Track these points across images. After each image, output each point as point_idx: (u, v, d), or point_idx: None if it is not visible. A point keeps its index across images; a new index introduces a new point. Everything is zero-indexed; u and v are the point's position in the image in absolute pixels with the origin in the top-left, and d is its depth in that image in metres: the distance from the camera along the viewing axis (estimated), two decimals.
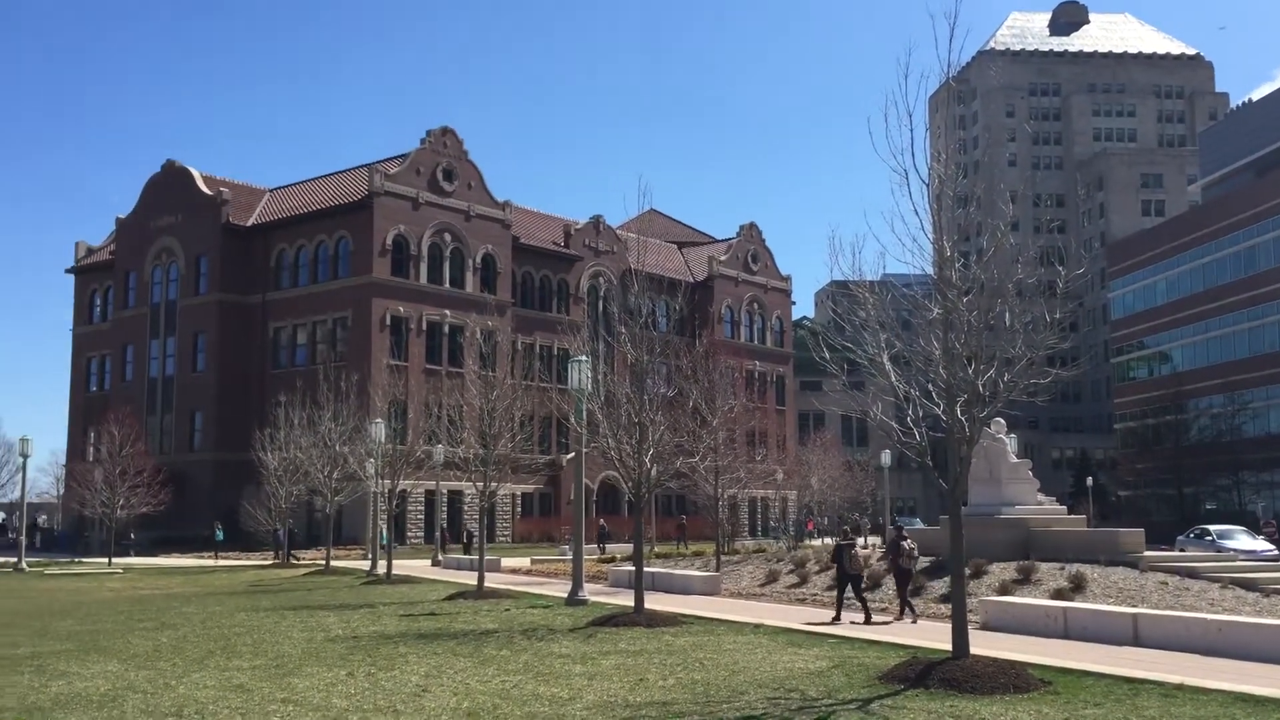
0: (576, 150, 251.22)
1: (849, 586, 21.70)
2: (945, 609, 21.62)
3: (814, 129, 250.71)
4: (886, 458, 59.45)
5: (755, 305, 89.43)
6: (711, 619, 22.10)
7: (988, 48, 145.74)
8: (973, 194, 16.12)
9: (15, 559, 49.61)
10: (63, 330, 78.67)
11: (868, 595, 22.57)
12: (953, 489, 14.79)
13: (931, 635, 18.53)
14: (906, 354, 15.78)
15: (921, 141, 15.42)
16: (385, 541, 52.51)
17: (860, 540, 27.87)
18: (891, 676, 14.35)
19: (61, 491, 79.92)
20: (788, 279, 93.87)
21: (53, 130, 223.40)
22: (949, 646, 14.96)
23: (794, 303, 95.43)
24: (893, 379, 15.29)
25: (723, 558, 35.20)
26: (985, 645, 15.96)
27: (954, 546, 15.08)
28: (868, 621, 20.90)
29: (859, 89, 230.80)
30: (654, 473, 23.12)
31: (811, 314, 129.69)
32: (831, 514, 59.84)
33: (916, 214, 15.00)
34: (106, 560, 52.05)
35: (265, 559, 52.00)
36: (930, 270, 15.31)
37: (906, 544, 21.49)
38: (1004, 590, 23.00)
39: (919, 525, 58.99)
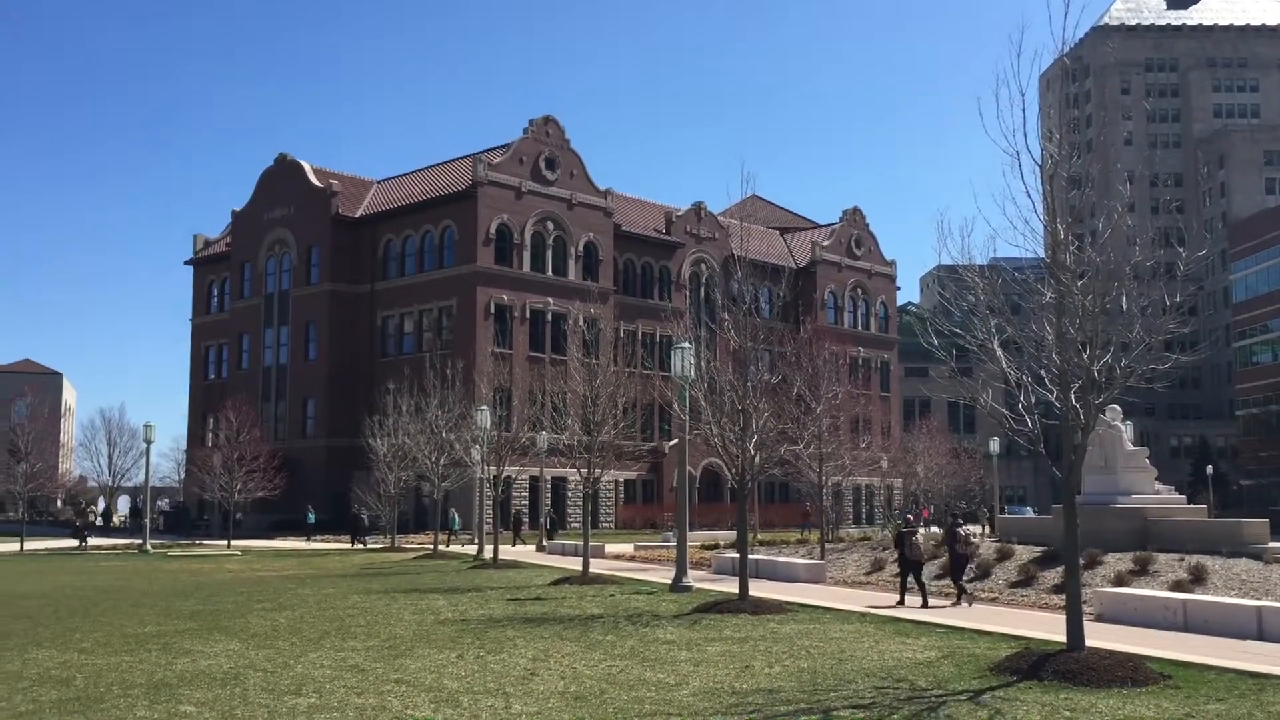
0: (677, 137, 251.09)
1: (911, 572, 22.55)
2: (1057, 599, 21.17)
3: (920, 110, 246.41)
4: (995, 445, 58.27)
5: (859, 290, 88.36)
6: (817, 607, 21.95)
7: (1101, 23, 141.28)
8: (1087, 174, 15.63)
9: (140, 541, 51.63)
10: (183, 321, 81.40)
11: (976, 582, 22.27)
12: (1067, 478, 14.43)
13: (1031, 624, 18.14)
14: (1018, 339, 15.42)
15: (1034, 121, 15.05)
16: (455, 527, 53.39)
17: (971, 529, 27.68)
18: (1003, 668, 14.08)
19: (183, 476, 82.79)
20: (892, 264, 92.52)
21: (173, 127, 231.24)
22: (1061, 638, 14.63)
23: (898, 288, 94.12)
24: (1004, 365, 14.97)
25: (827, 545, 34.93)
26: (1100, 637, 15.56)
27: (1068, 536, 14.72)
28: (925, 605, 21.68)
29: (966, 69, 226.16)
30: (757, 460, 23.01)
31: (916, 299, 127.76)
32: (938, 502, 58.91)
33: (1029, 196, 14.65)
34: (225, 543, 53.82)
35: (376, 542, 53.17)
36: (1043, 253, 14.93)
37: (962, 532, 22.66)
38: (1119, 582, 22.39)
39: (1030, 514, 57.76)
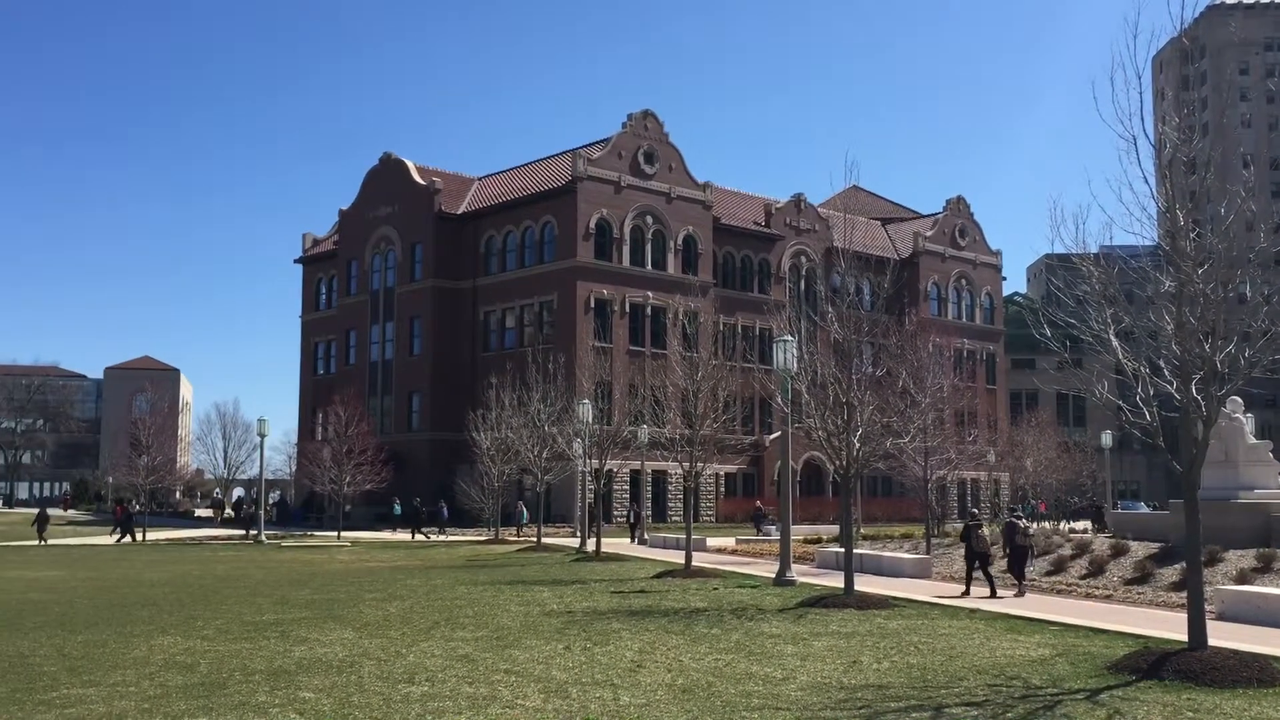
0: (776, 129, 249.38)
1: (979, 563, 23.38)
2: (1175, 597, 20.56)
3: (1027, 96, 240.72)
4: (1108, 439, 56.77)
5: (963, 281, 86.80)
6: (924, 602, 21.66)
7: (1219, 1, 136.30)
8: (1208, 158, 15.09)
9: (255, 532, 53.19)
10: (293, 317, 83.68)
11: (1090, 579, 21.77)
12: (1187, 472, 13.98)
13: (1148, 623, 17.61)
14: (1135, 329, 14.96)
15: (1149, 105, 14.57)
16: (524, 521, 53.76)
17: (1091, 524, 27.43)
18: (1121, 666, 13.70)
19: (294, 469, 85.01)
20: (997, 254, 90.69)
21: (283, 130, 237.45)
22: (1181, 636, 14.19)
23: (1004, 278, 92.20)
24: (1120, 356, 14.54)
25: (933, 540, 34.41)
26: (1223, 637, 15.05)
27: (1189, 532, 14.25)
28: (992, 596, 22.46)
29: (1074, 52, 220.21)
30: (861, 453, 22.77)
31: (1023, 289, 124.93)
32: (1049, 496, 57.59)
33: (1145, 181, 14.20)
34: (335, 534, 55.14)
35: (480, 535, 53.97)
36: (1161, 240, 14.47)
37: (1021, 523, 23.85)
38: (1242, 579, 21.64)
39: (1143, 510, 56.13)
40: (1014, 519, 24.20)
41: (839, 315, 23.32)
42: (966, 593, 23.11)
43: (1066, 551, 27.68)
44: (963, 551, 24.77)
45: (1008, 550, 23.72)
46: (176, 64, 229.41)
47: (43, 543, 49.76)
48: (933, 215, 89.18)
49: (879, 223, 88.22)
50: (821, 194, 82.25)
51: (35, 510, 63.75)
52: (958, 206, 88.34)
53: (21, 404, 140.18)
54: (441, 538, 53.21)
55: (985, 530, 23.96)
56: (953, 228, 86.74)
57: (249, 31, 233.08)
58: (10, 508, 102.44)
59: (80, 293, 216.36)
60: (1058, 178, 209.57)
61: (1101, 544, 27.79)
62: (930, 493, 37.09)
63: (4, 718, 10.95)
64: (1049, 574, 26.07)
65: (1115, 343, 14.55)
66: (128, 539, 51.65)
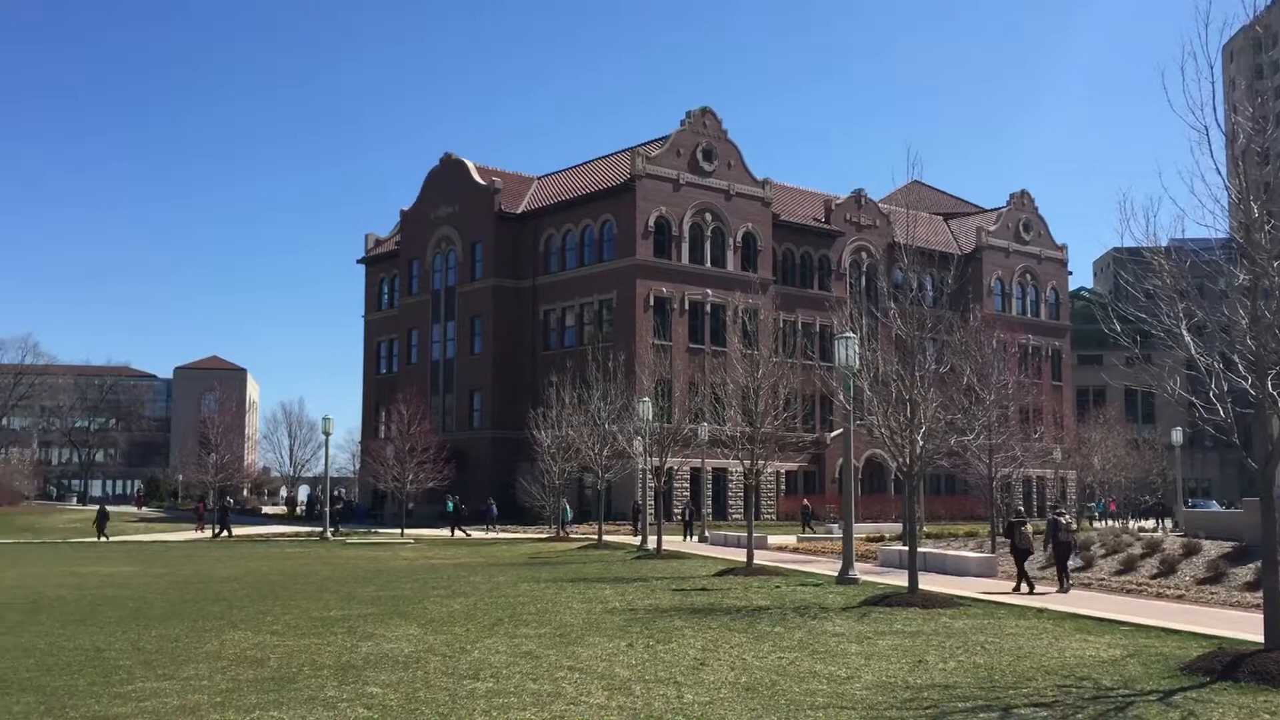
0: (835, 125, 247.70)
1: (1025, 559, 23.75)
2: (1250, 598, 20.11)
3: (1092, 87, 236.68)
4: (1178, 435, 55.66)
5: (1028, 276, 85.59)
6: (990, 601, 21.40)
7: None
8: None
9: (321, 529, 53.98)
10: (356, 317, 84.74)
11: (1161, 578, 21.37)
12: (1263, 469, 13.65)
13: (1221, 623, 17.22)
14: (1207, 323, 14.65)
15: (1220, 94, 14.26)
16: (568, 518, 53.85)
17: (1154, 522, 27.31)
18: (1194, 668, 13.43)
19: (358, 467, 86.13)
20: (1063, 248, 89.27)
21: (344, 131, 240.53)
22: (1256, 637, 13.89)
23: (1070, 273, 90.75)
24: (1193, 351, 14.25)
25: (998, 539, 33.98)
26: None
27: (1265, 530, 13.91)
28: (1030, 591, 22.88)
29: (1145, 42, 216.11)
30: (924, 451, 22.54)
31: (1090, 284, 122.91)
32: (1118, 494, 56.60)
33: (1218, 172, 13.89)
34: (399, 531, 55.80)
35: (540, 532, 54.26)
36: (1234, 233, 14.15)
37: (1063, 520, 24.46)
38: None
39: (1215, 508, 54.93)
40: (1055, 516, 24.70)
41: (901, 311, 23.10)
42: (1017, 589, 23.37)
43: (1137, 550, 27.22)
44: (1009, 547, 25.23)
45: (1050, 547, 24.30)
46: (240, 66, 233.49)
47: (104, 539, 50.96)
48: (996, 209, 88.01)
49: (941, 218, 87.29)
50: (882, 189, 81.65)
51: (111, 507, 65.26)
52: (1022, 200, 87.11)
53: (94, 404, 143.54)
54: (489, 535, 53.56)
55: (1028, 527, 24.45)
56: (1017, 222, 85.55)
57: (310, 32, 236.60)
58: (85, 505, 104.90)
59: (150, 294, 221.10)
60: (1127, 170, 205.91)
61: (1173, 543, 27.29)
62: (995, 491, 36.63)
63: (83, 710, 11.22)
64: (1118, 573, 25.65)
65: (1187, 337, 14.26)
66: (224, 533, 52.72)
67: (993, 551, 31.07)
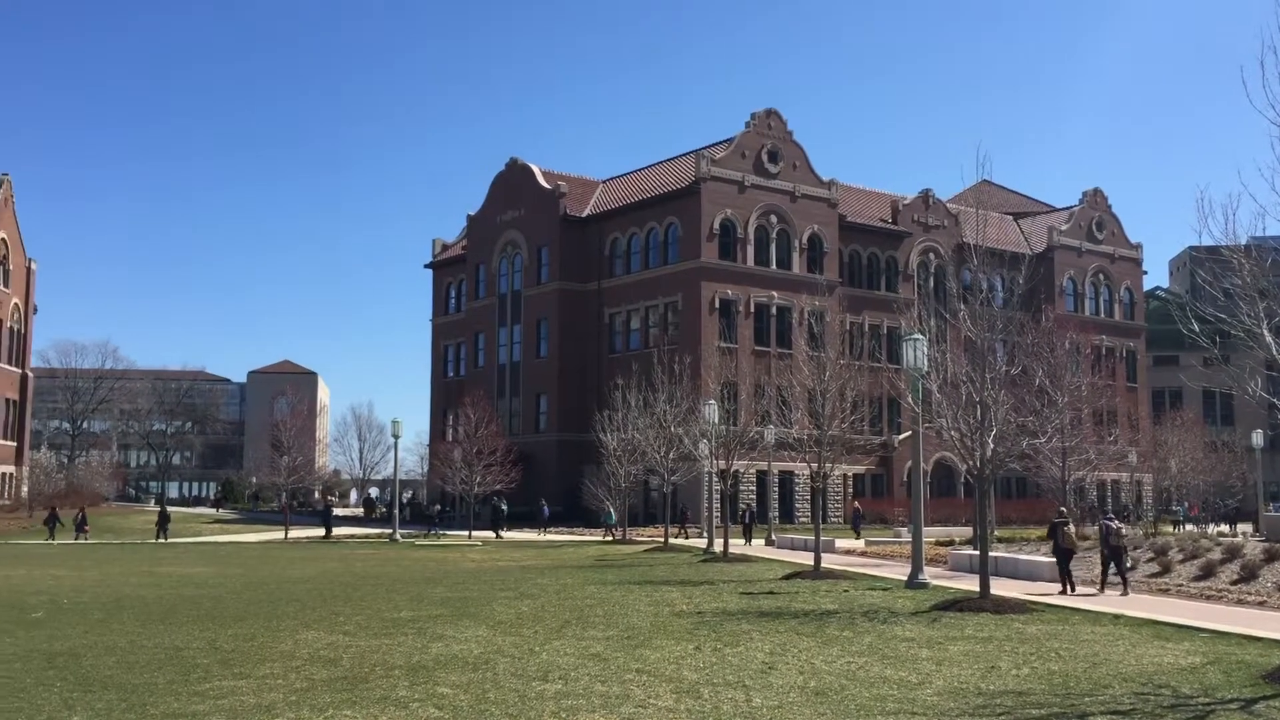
0: (902, 125, 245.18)
1: (1067, 560, 24.20)
2: None
3: (1169, 82, 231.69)
4: (1258, 438, 54.26)
5: (1101, 276, 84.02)
6: (1064, 607, 21.04)
7: None
8: None
9: (390, 531, 54.63)
10: (424, 321, 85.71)
11: (1242, 584, 20.86)
12: None
13: (1250, 623, 16.77)
14: None
15: None
16: (612, 521, 53.80)
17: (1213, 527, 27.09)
18: (1278, 676, 13.07)
19: (426, 469, 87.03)
20: (1137, 247, 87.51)
21: (412, 138, 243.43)
22: None
23: (1145, 272, 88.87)
24: (1273, 351, 13.89)
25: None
26: None
27: None
28: (1071, 592, 23.49)
29: (1224, 37, 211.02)
30: (995, 454, 22.21)
31: (1165, 283, 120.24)
32: (1196, 498, 55.33)
33: None
34: (467, 533, 56.28)
35: (607, 535, 54.38)
36: None
37: (1114, 525, 24.33)
38: None
39: None
40: (1106, 521, 24.83)
41: (971, 312, 22.82)
42: (1063, 590, 23.88)
43: (1216, 556, 26.58)
44: (1053, 549, 25.62)
45: (1104, 551, 24.39)
46: (310, 68, 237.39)
47: (163, 540, 52.03)
48: (1068, 208, 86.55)
49: (1011, 217, 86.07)
50: (950, 189, 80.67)
51: (188, 508, 66.65)
52: (1095, 199, 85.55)
53: (171, 407, 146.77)
54: (543, 537, 53.80)
55: (1071, 528, 24.73)
56: (1089, 220, 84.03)
57: (375, 33, 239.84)
58: (162, 506, 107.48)
59: (224, 299, 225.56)
60: (1204, 167, 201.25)
61: (1253, 548, 26.62)
62: (1068, 494, 36.01)
63: (162, 707, 11.47)
64: (1197, 579, 25.10)
65: (1268, 337, 13.91)
66: (327, 534, 53.64)
67: None
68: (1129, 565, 25.30)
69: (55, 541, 50.68)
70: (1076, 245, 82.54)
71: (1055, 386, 33.16)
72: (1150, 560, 27.59)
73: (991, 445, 21.85)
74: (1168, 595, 23.50)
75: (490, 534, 55.17)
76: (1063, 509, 26.63)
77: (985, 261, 24.05)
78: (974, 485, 23.53)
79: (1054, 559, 25.24)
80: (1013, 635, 17.07)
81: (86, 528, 53.40)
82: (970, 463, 22.49)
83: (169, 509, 60.11)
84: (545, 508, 57.96)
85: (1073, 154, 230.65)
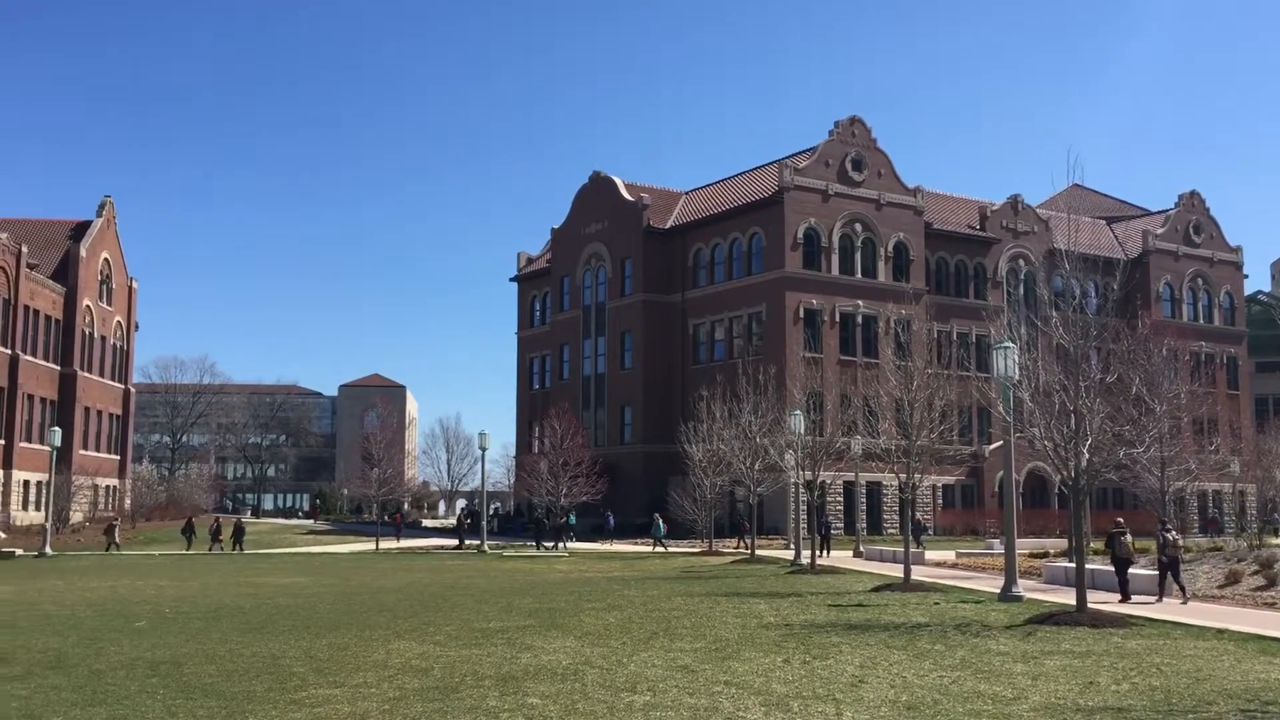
0: (989, 130, 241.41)
1: (1125, 570, 24.82)
2: None
3: (1265, 83, 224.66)
4: None
5: (1199, 281, 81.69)
6: (1164, 621, 20.44)
7: None
8: None
9: (478, 542, 55.19)
10: (509, 334, 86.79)
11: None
12: None
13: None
14: None
15: None
16: (660, 534, 53.37)
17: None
18: None
19: (512, 481, 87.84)
20: (1237, 250, 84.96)
21: (497, 153, 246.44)
22: None
23: (1245, 276, 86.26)
24: None
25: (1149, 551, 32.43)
26: None
27: None
28: (1125, 600, 24.02)
29: None
30: (1090, 464, 21.68)
31: (1267, 287, 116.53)
32: None
33: None
34: (554, 544, 56.53)
35: (692, 546, 54.28)
36: None
37: (1170, 536, 24.83)
38: None
39: None
40: (1163, 532, 25.21)
41: (1064, 320, 22.34)
42: (1124, 599, 24.38)
43: None
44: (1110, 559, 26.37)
45: (1161, 560, 24.93)
46: (395, 93, 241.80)
47: (238, 551, 53.25)
48: (1163, 212, 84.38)
49: (1104, 222, 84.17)
50: (1039, 194, 79.22)
51: (283, 520, 68.16)
52: (1191, 201, 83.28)
53: (266, 421, 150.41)
54: (608, 548, 53.93)
55: (1128, 538, 25.18)
56: (1186, 224, 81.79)
57: (462, 57, 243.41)
58: (258, 517, 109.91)
59: (315, 315, 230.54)
60: None
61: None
62: (1167, 505, 35.02)
63: (260, 715, 11.73)
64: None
65: None
66: (470, 545, 54.34)
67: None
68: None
69: (190, 551, 52.47)
70: (1173, 249, 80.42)
71: (1153, 395, 32.28)
72: (1255, 573, 26.69)
73: (1087, 455, 21.35)
74: (1276, 609, 22.69)
75: (536, 547, 55.47)
76: (1119, 520, 26.43)
77: (1078, 267, 23.53)
78: (1069, 496, 22.98)
79: (1137, 571, 25.95)
80: (1111, 650, 16.63)
81: (221, 538, 55.19)
82: (1064, 473, 21.99)
83: (243, 522, 62.02)
84: (610, 518, 58.08)
85: (1168, 156, 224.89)
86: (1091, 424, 21.45)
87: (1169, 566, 24.74)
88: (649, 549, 52.59)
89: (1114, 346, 32.88)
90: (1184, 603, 23.70)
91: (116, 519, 61.37)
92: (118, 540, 54.22)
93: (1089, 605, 20.81)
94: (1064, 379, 21.87)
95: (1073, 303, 22.53)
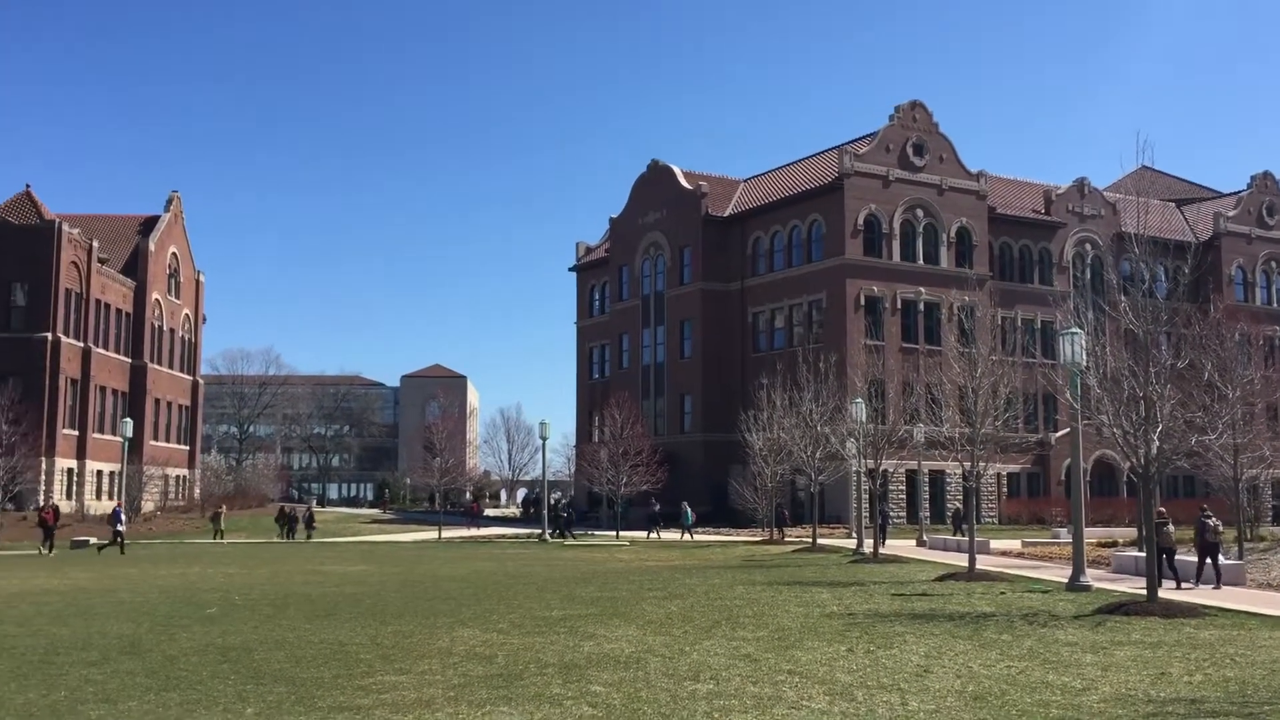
0: (1053, 113, 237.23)
1: (1165, 556, 24.82)
2: None
3: None
4: None
5: (1274, 264, 79.66)
6: (1238, 611, 20.01)
7: None
8: None
9: (540, 532, 55.52)
10: (569, 324, 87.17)
11: None
12: None
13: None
14: None
15: None
16: (689, 522, 52.93)
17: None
18: None
19: (573, 470, 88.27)
20: None
21: (554, 146, 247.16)
22: None
23: None
24: None
25: (1245, 545, 31.75)
26: None
27: None
28: (1177, 587, 24.21)
29: None
30: (1161, 451, 21.24)
31: None
32: None
33: None
34: (614, 533, 56.79)
35: (754, 535, 54.17)
36: None
37: (1210, 522, 25.21)
38: None
39: None
40: (1204, 519, 25.46)
41: (1132, 304, 21.90)
42: (1176, 585, 24.71)
43: None
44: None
45: (1200, 544, 25.35)
46: (455, 83, 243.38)
47: (289, 540, 54.10)
48: (1235, 193, 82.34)
49: (1174, 204, 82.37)
50: (1106, 177, 77.78)
51: (347, 509, 69.20)
52: (1264, 183, 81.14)
53: (330, 411, 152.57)
54: (652, 537, 53.84)
55: (1170, 527, 25.31)
56: (1260, 205, 79.76)
57: (520, 46, 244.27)
58: (323, 506, 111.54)
59: (377, 306, 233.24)
60: None
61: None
62: (1241, 493, 34.26)
63: (329, 701, 11.90)
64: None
65: None
66: (563, 536, 54.94)
67: (1240, 558, 29.04)
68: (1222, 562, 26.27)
69: (286, 540, 53.70)
70: (1245, 232, 78.48)
71: (1225, 380, 31.53)
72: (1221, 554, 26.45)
73: (1157, 442, 20.94)
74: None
75: (562, 537, 55.62)
76: (1161, 509, 26.39)
77: (1147, 251, 23.06)
78: (1138, 484, 22.54)
79: (1257, 561, 26.65)
80: (1184, 640, 16.31)
81: (315, 525, 56.40)
82: (1134, 461, 21.59)
83: (294, 511, 63.16)
84: (655, 506, 58.04)
85: (1240, 137, 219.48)
86: (1162, 410, 21.03)
87: (1207, 552, 25.35)
88: (675, 536, 52.52)
89: (1185, 331, 32.15)
90: (1216, 588, 24.38)
91: (222, 507, 62.99)
92: (223, 528, 55.64)
93: (1159, 595, 20.44)
94: (1133, 365, 21.46)
95: (1142, 287, 22.08)
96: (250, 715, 11.14)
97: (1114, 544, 38.97)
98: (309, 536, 55.39)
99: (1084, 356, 24.36)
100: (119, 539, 43.21)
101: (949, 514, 52.46)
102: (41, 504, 52.98)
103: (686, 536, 53.34)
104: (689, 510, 54.66)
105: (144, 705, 11.68)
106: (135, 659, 14.94)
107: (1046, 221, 71.91)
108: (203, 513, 70.72)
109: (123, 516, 44.59)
